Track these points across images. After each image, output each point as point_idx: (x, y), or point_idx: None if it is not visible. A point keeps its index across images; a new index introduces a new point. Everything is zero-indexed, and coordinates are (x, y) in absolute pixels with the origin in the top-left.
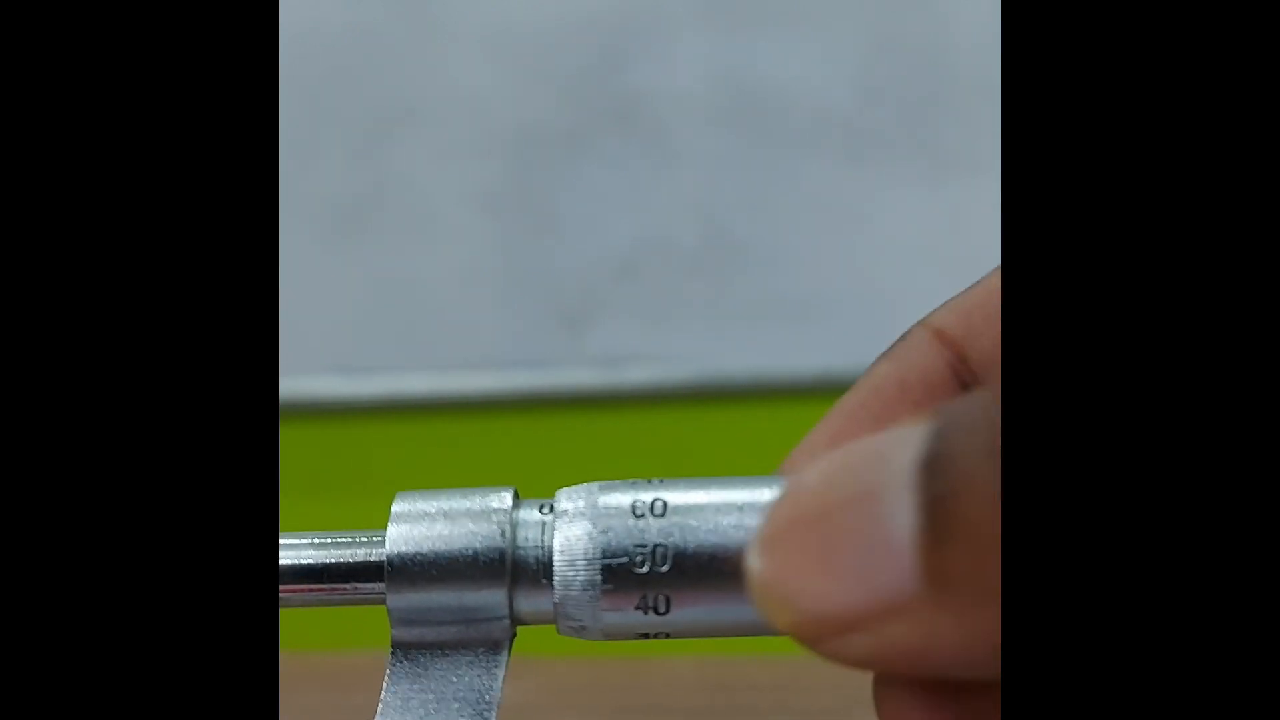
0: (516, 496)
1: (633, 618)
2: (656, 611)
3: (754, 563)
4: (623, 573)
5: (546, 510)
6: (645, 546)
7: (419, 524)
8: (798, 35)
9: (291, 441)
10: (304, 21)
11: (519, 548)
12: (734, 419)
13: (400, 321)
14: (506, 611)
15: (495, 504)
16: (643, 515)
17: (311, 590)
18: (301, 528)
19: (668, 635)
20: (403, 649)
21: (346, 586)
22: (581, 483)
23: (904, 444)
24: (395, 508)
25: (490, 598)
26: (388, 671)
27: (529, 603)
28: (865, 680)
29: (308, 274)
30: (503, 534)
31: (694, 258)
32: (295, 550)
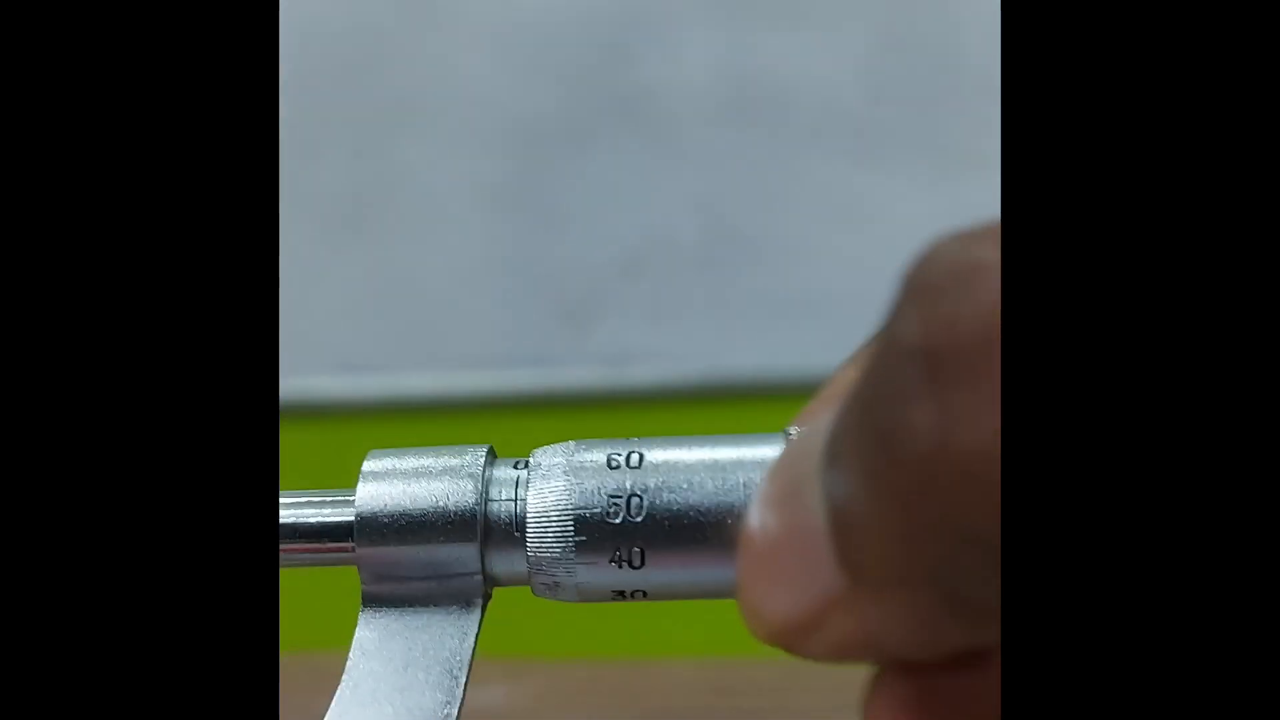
0: (492, 454)
1: (606, 573)
2: (631, 565)
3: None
4: (596, 523)
5: (521, 467)
6: (620, 496)
7: (390, 481)
8: (804, 30)
9: (293, 443)
10: (307, 16)
11: (491, 503)
12: (740, 417)
13: (403, 317)
14: (479, 569)
15: (468, 461)
16: (618, 467)
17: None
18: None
19: (644, 594)
20: (372, 605)
21: (315, 546)
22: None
23: (820, 428)
24: (366, 466)
25: (462, 555)
26: (357, 631)
27: (502, 560)
28: (865, 682)
29: (310, 270)
30: (476, 490)
31: (699, 254)
32: None
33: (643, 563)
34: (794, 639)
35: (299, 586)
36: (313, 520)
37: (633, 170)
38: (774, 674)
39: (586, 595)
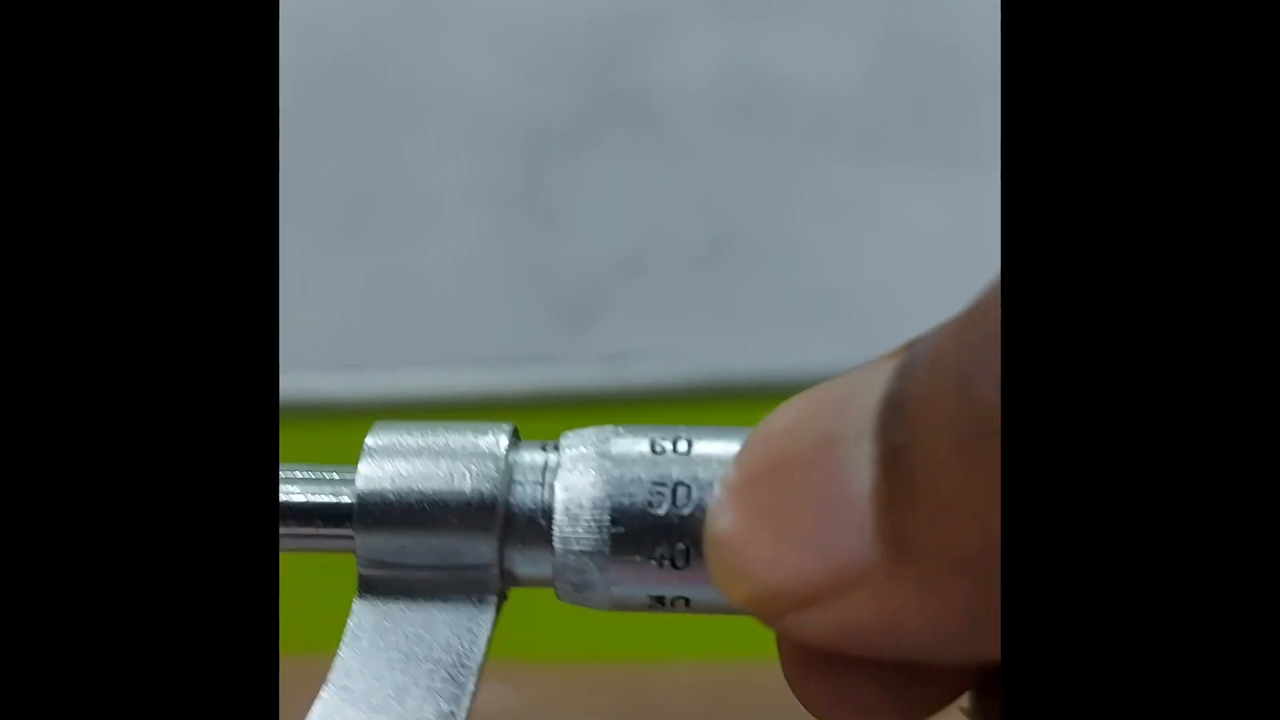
0: (515, 435)
1: (645, 573)
2: (674, 565)
3: (708, 526)
4: (636, 514)
5: (550, 451)
6: (664, 485)
7: (397, 460)
8: (807, 27)
9: (290, 441)
10: (304, 11)
11: (515, 490)
12: (741, 418)
13: (401, 317)
14: (496, 564)
15: (490, 441)
16: (663, 453)
17: None
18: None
19: (687, 604)
20: (369, 593)
21: (308, 531)
22: None
23: (870, 383)
24: (370, 440)
25: (478, 548)
26: (349, 621)
27: (524, 557)
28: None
29: (309, 268)
30: (496, 475)
31: (700, 253)
32: None
33: (687, 563)
34: (783, 607)
35: (299, 586)
36: (306, 500)
37: (633, 169)
38: (774, 677)
39: (619, 601)
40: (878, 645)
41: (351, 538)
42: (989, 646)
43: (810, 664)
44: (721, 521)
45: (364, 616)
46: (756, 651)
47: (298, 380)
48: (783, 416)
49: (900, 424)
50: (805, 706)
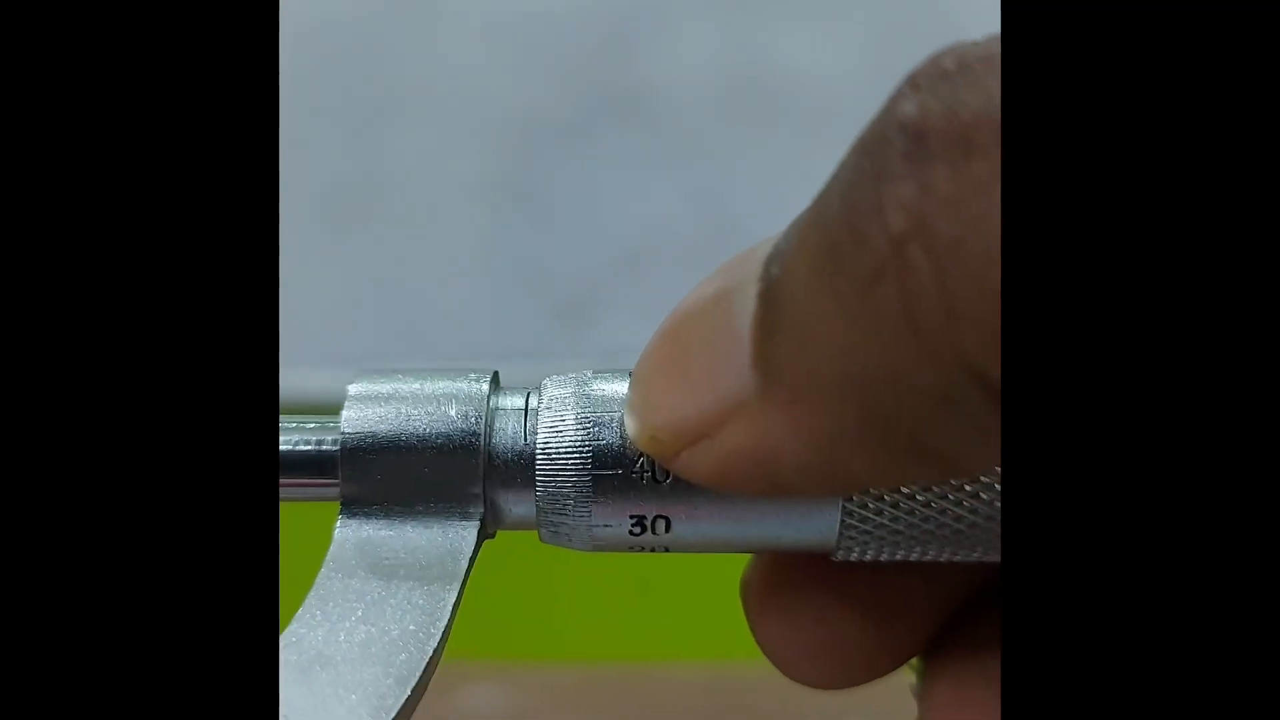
0: (496, 380)
1: (627, 489)
2: (655, 478)
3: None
4: (617, 427)
5: (531, 397)
6: None
7: (381, 405)
8: (804, 23)
9: None
10: (302, 9)
11: (497, 429)
12: None
13: (395, 313)
14: (479, 508)
15: (471, 387)
16: None
17: None
18: (296, 533)
19: (667, 523)
20: (353, 518)
21: (293, 481)
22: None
23: (770, 239)
24: (352, 389)
25: (462, 491)
26: (333, 541)
27: (506, 500)
28: (866, 684)
29: (300, 264)
30: (479, 420)
31: (698, 249)
32: None
33: (668, 476)
34: (677, 445)
35: (299, 583)
36: (290, 449)
37: (631, 165)
38: (770, 674)
39: (601, 542)
40: (758, 477)
41: (335, 485)
42: (851, 472)
43: (772, 601)
44: (631, 383)
45: (346, 538)
46: (755, 652)
47: (291, 375)
48: (695, 288)
49: (776, 259)
50: (770, 658)
